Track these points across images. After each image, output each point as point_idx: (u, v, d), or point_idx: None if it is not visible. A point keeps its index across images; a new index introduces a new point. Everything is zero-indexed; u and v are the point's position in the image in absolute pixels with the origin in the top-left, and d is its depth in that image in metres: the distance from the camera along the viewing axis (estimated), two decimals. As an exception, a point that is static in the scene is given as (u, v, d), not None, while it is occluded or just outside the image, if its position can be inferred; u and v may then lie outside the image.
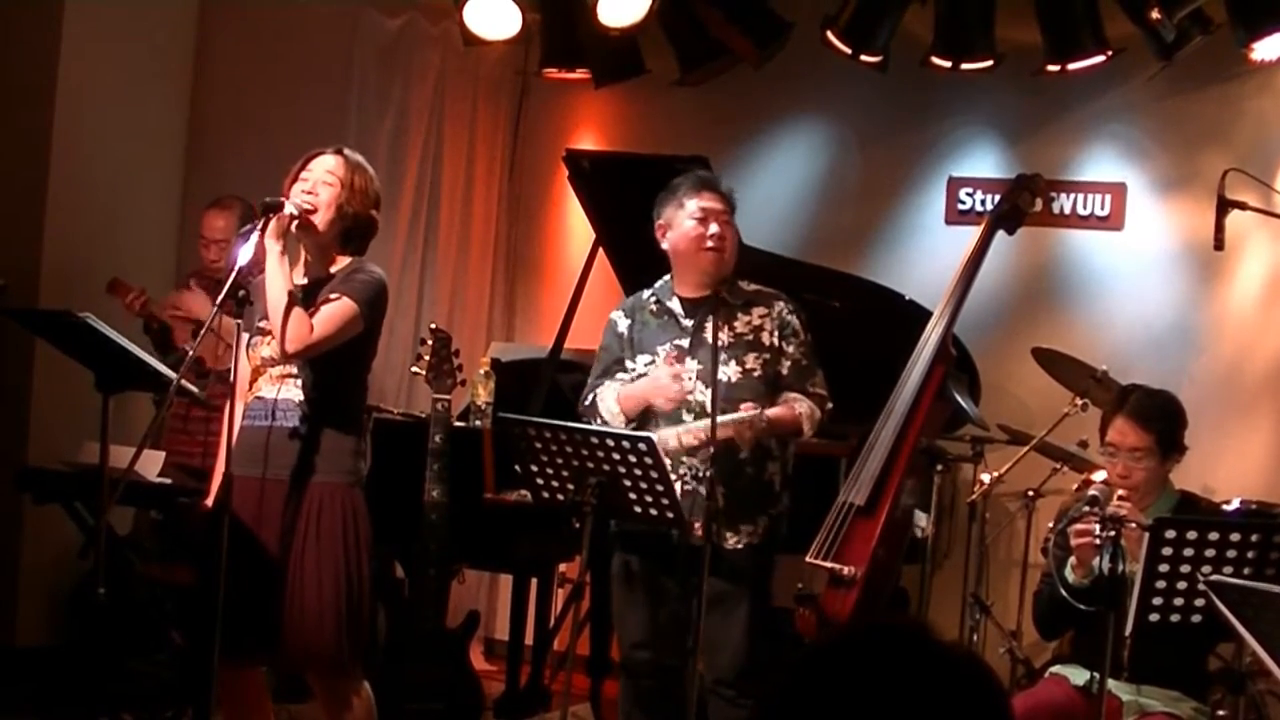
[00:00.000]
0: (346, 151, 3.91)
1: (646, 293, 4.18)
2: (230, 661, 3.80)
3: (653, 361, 4.09)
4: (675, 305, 4.10)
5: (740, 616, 4.01)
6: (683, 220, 4.07)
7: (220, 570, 3.61)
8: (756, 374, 4.03)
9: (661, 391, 3.98)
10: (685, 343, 4.05)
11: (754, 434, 3.92)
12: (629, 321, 4.17)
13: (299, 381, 3.82)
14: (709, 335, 4.00)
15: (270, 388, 3.83)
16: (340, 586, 3.79)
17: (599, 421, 4.08)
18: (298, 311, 3.73)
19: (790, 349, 4.07)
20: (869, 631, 1.52)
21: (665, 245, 4.12)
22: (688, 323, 4.07)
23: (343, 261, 3.91)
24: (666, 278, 4.17)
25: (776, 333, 4.07)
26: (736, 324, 4.06)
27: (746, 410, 3.89)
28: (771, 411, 3.97)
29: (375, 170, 4.97)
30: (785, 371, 4.06)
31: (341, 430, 3.86)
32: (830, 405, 4.11)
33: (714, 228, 4.03)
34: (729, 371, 4.02)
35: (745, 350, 4.04)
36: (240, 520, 3.78)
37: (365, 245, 3.96)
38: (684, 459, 3.98)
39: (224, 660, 3.74)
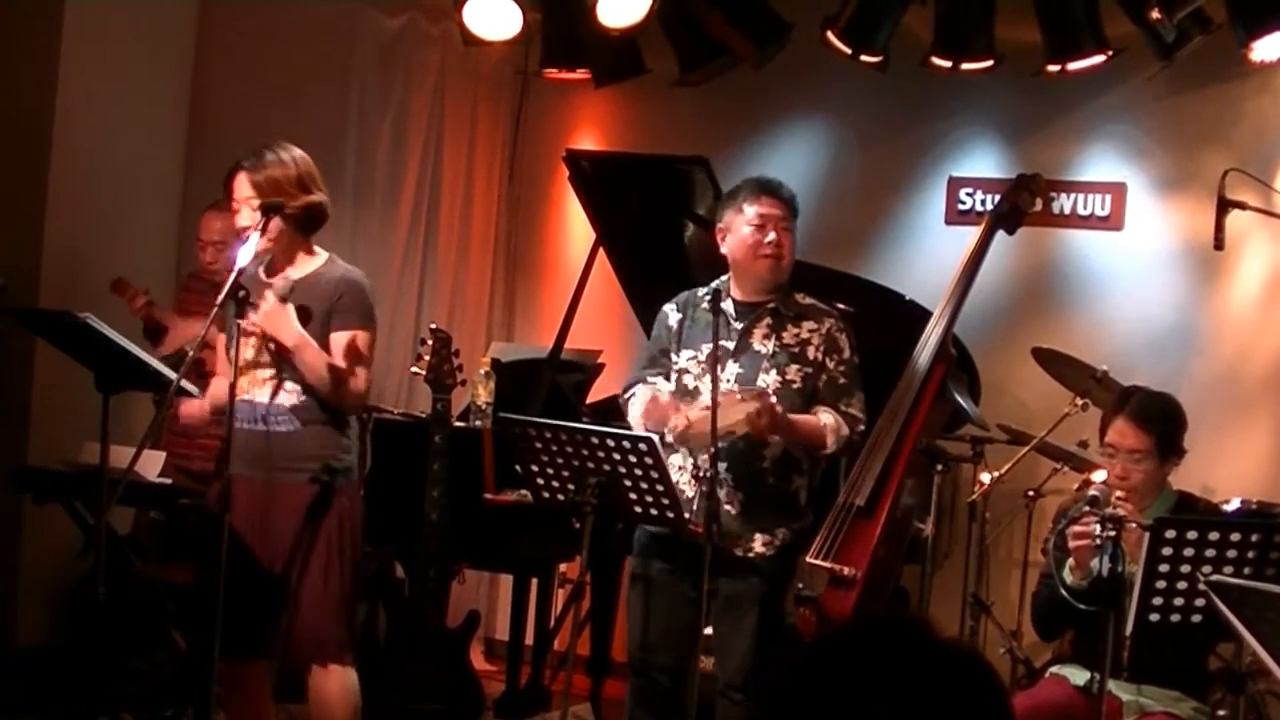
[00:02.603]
0: (246, 163, 3.93)
1: (702, 290, 4.16)
2: (232, 658, 3.84)
3: (694, 357, 4.08)
4: (728, 306, 4.08)
5: (751, 621, 4.01)
6: (741, 226, 4.06)
7: (219, 570, 3.64)
8: (796, 385, 4.02)
9: (650, 415, 3.99)
10: (730, 344, 4.04)
11: (768, 426, 3.89)
12: (680, 316, 4.17)
13: (288, 384, 3.89)
14: (755, 342, 4.02)
15: (258, 390, 3.90)
16: (336, 580, 3.87)
17: (629, 418, 4.12)
18: (334, 373, 3.86)
19: (830, 365, 4.05)
20: (869, 628, 1.52)
21: (724, 249, 4.11)
22: (737, 325, 4.06)
23: (318, 255, 4.01)
24: (725, 277, 4.16)
25: (822, 348, 4.05)
26: (785, 335, 4.05)
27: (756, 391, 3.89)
28: (794, 415, 3.96)
29: (375, 170, 5.01)
30: (822, 386, 4.05)
31: (335, 428, 3.94)
32: (863, 428, 4.09)
33: (771, 235, 4.03)
34: (768, 380, 4.00)
35: (789, 361, 4.03)
36: (237, 520, 3.82)
37: (323, 222, 4.03)
38: (701, 456, 3.97)
39: (226, 657, 3.78)
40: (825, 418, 4.01)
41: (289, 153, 3.96)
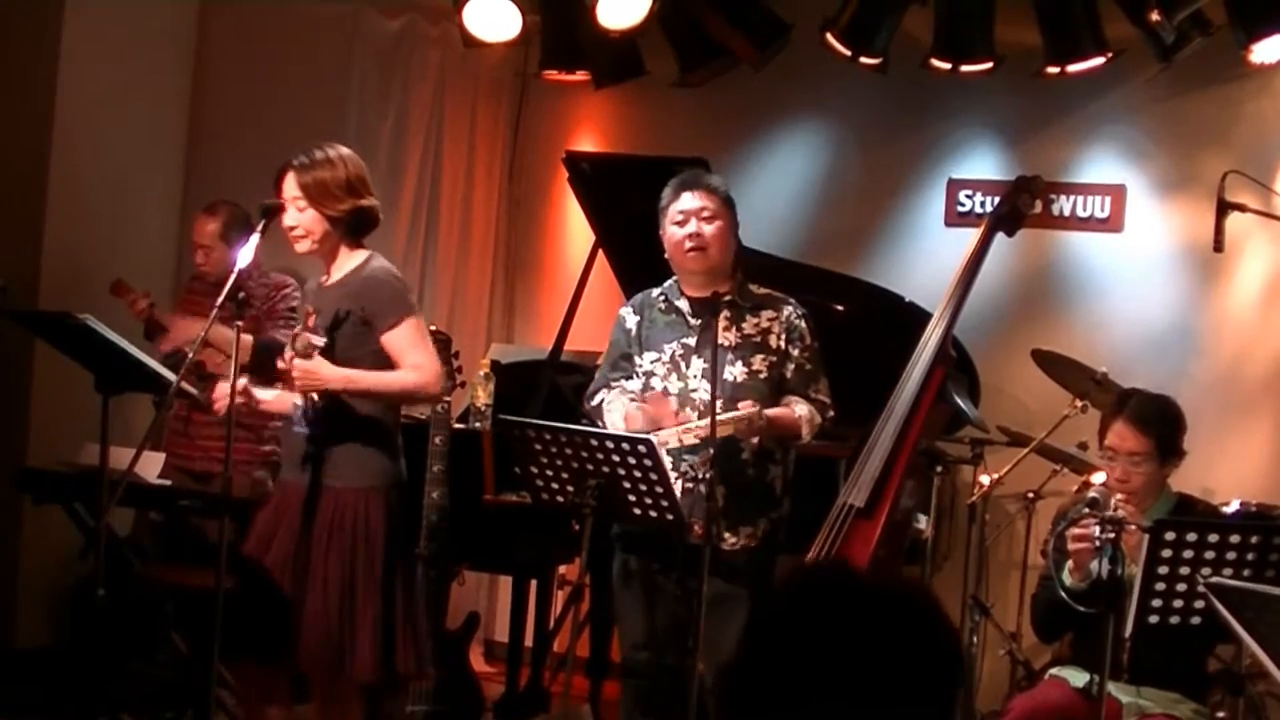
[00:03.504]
0: (296, 162, 3.87)
1: (656, 291, 4.21)
2: (257, 661, 3.85)
3: (658, 359, 4.10)
4: (683, 304, 4.13)
5: (739, 618, 4.02)
6: (668, 226, 4.11)
7: (228, 569, 3.67)
8: (762, 375, 4.06)
9: (634, 420, 3.99)
10: (692, 341, 4.07)
11: (755, 431, 3.93)
12: (637, 318, 4.19)
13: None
14: (717, 335, 4.03)
15: (307, 394, 3.86)
16: (348, 591, 3.83)
17: (601, 424, 4.11)
18: (399, 388, 3.85)
19: (795, 353, 4.09)
20: (800, 588, 1.55)
21: (666, 254, 4.15)
22: (695, 322, 4.09)
23: (358, 254, 3.95)
24: (675, 278, 4.19)
25: (783, 336, 4.09)
26: (745, 325, 4.09)
27: (746, 408, 3.90)
28: (771, 411, 3.99)
29: (374, 172, 4.92)
30: (789, 375, 4.09)
31: (376, 434, 3.89)
32: (833, 413, 4.13)
33: (690, 227, 4.05)
34: (734, 372, 4.04)
35: (752, 352, 4.06)
36: (282, 524, 3.82)
37: (373, 227, 3.98)
38: (685, 456, 3.99)
39: (251, 659, 3.79)
40: (799, 409, 4.05)
41: (340, 154, 3.90)
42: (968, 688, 5.27)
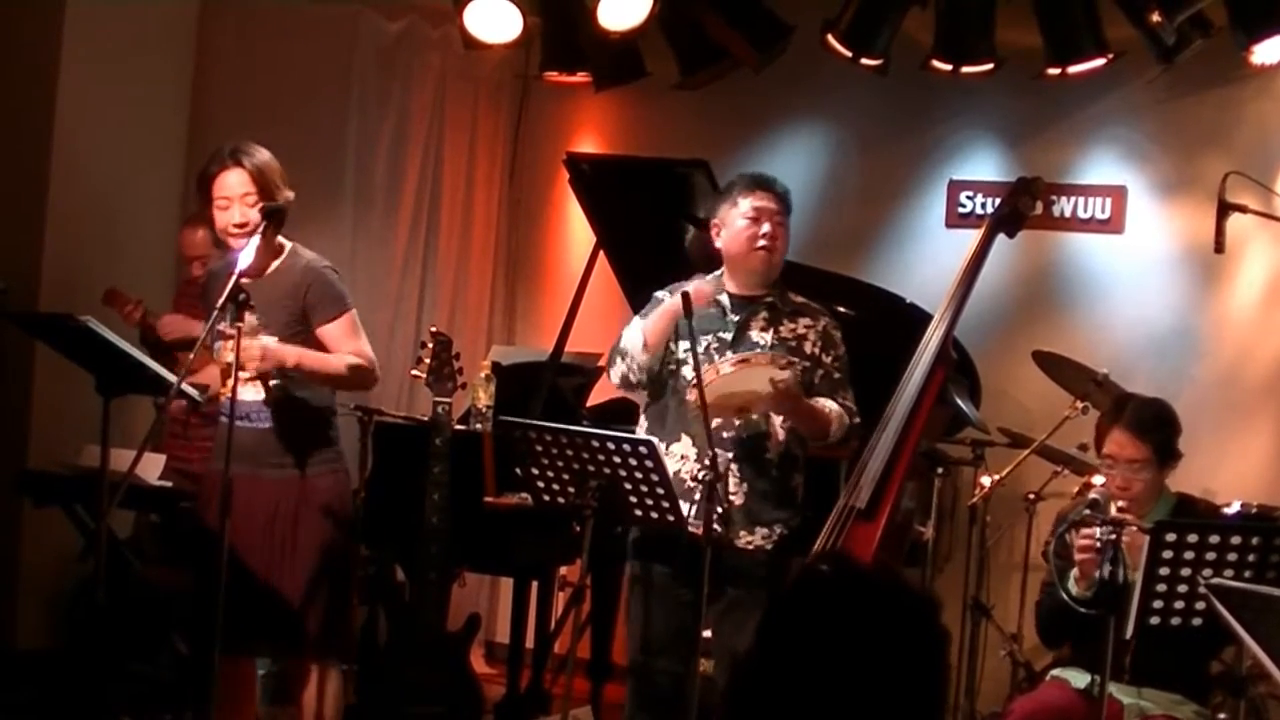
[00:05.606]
0: (246, 160, 3.94)
1: (696, 281, 4.20)
2: (225, 653, 3.88)
3: (691, 349, 4.10)
4: (724, 300, 4.12)
5: (753, 624, 4.00)
6: (735, 219, 4.10)
7: (214, 571, 3.69)
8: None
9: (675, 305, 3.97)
10: (728, 336, 4.08)
11: (786, 397, 3.92)
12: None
13: (271, 383, 3.95)
14: (754, 333, 4.06)
15: (240, 389, 3.89)
16: (326, 570, 3.97)
17: (621, 360, 4.10)
18: (344, 367, 3.96)
19: (828, 360, 4.13)
20: (799, 590, 1.58)
21: (719, 244, 4.15)
22: (734, 318, 4.10)
23: (283, 247, 4.06)
24: (719, 271, 4.19)
25: (819, 344, 4.13)
26: (781, 328, 4.11)
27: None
28: (808, 401, 4.01)
29: (375, 174, 5.01)
30: (818, 380, 4.11)
31: (316, 419, 4.02)
32: (858, 420, 4.16)
33: (765, 227, 4.07)
34: None
35: (787, 354, 4.07)
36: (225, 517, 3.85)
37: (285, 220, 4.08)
38: (702, 448, 3.98)
39: (221, 652, 3.83)
40: (831, 406, 4.08)
41: (262, 149, 4.01)
42: (970, 689, 5.27)
